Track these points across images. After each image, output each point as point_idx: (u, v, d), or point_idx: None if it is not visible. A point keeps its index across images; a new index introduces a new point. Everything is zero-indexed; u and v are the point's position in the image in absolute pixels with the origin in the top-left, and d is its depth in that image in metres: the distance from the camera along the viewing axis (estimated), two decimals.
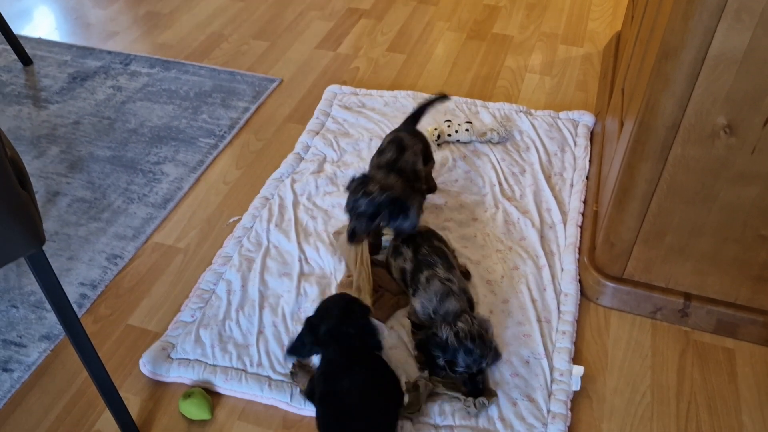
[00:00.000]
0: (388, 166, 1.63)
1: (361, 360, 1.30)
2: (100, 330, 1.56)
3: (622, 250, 1.54)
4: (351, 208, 1.53)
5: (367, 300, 1.50)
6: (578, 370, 1.43)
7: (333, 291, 1.61)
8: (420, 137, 1.76)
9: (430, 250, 1.52)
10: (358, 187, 1.53)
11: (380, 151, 1.69)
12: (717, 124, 1.27)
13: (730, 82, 1.22)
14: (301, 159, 2.03)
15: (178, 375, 1.44)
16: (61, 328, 1.53)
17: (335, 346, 1.30)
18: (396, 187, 1.55)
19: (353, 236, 1.54)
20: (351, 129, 2.15)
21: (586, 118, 2.17)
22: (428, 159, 1.78)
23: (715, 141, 1.29)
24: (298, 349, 1.36)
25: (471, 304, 1.47)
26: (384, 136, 2.10)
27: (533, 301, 1.59)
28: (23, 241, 1.01)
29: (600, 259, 1.62)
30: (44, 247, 1.60)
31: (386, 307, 1.56)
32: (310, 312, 1.56)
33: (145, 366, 1.45)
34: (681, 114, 1.29)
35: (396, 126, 2.14)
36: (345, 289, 1.58)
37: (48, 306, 1.60)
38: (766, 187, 1.32)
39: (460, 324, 1.34)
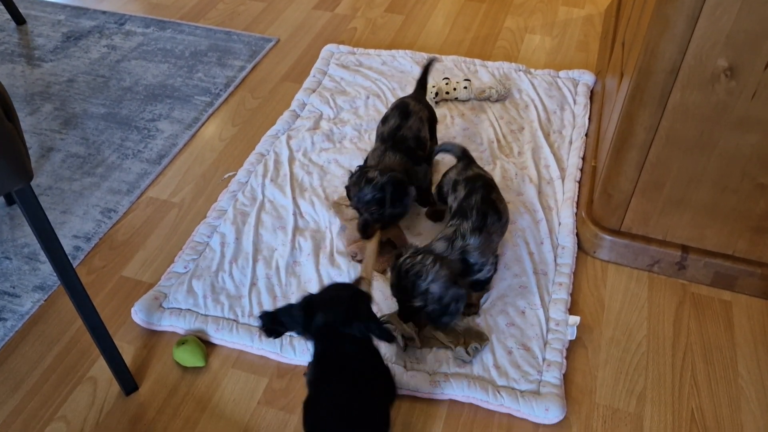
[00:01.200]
0: (390, 135, 1.61)
1: (352, 360, 1.14)
2: (94, 281, 1.55)
3: (620, 201, 1.53)
4: (357, 201, 1.51)
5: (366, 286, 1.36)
6: (574, 320, 1.42)
7: (327, 245, 1.60)
8: (427, 105, 1.74)
9: (479, 201, 1.40)
10: (358, 178, 1.51)
11: (384, 119, 1.68)
12: (717, 67, 1.24)
13: (730, 23, 1.20)
14: (297, 116, 2.01)
15: (170, 324, 1.43)
16: (55, 278, 1.53)
17: (327, 343, 1.15)
18: (396, 167, 1.54)
19: (366, 228, 1.51)
20: (348, 87, 2.12)
21: (587, 77, 2.15)
22: (433, 133, 1.75)
23: (715, 85, 1.27)
24: (279, 316, 1.17)
25: (467, 269, 1.36)
26: (381, 94, 2.09)
27: (530, 254, 1.58)
28: (10, 176, 0.99)
29: (598, 212, 1.60)
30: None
31: (387, 257, 1.54)
32: (305, 265, 1.56)
33: (137, 314, 1.45)
34: (681, 57, 1.26)
35: (394, 85, 2.12)
36: (353, 243, 1.57)
37: (42, 258, 1.59)
38: (765, 133, 1.30)
39: (424, 260, 1.28)
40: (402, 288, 1.31)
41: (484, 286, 1.45)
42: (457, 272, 1.32)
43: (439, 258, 1.31)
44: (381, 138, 1.64)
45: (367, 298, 1.21)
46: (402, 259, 1.31)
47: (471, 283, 1.45)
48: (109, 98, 2.10)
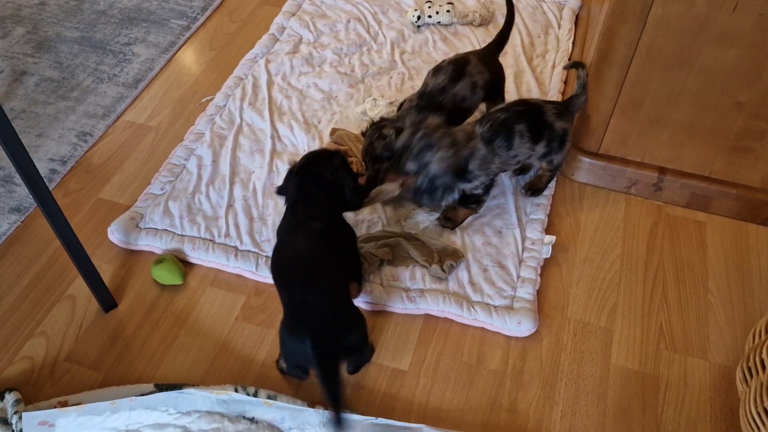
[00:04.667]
0: (429, 96, 1.50)
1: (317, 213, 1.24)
2: (71, 203, 1.55)
3: (599, 122, 1.52)
4: (364, 152, 1.47)
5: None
6: (550, 238, 1.43)
7: None
8: (490, 66, 1.57)
9: (512, 123, 1.39)
10: (372, 131, 1.46)
11: (436, 69, 1.54)
12: None
13: None
14: (277, 40, 1.97)
15: (146, 243, 1.44)
16: (32, 201, 1.52)
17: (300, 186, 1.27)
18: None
19: (369, 186, 1.40)
20: (329, 11, 2.07)
21: (572, 2, 2.10)
22: (497, 95, 1.61)
23: None
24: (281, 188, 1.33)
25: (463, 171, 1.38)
26: (362, 18, 2.04)
27: (509, 176, 1.58)
28: None
29: (577, 134, 1.59)
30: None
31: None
32: None
33: (113, 234, 1.45)
34: None
35: (376, 9, 2.07)
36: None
37: (17, 180, 1.58)
38: (745, 48, 1.29)
39: (441, 140, 1.33)
40: (405, 147, 1.34)
41: (471, 202, 1.45)
42: (456, 167, 1.34)
43: (454, 146, 1.33)
44: (420, 95, 1.52)
45: (345, 160, 1.34)
46: (423, 131, 1.34)
47: (461, 197, 1.45)
48: (83, 22, 2.04)
